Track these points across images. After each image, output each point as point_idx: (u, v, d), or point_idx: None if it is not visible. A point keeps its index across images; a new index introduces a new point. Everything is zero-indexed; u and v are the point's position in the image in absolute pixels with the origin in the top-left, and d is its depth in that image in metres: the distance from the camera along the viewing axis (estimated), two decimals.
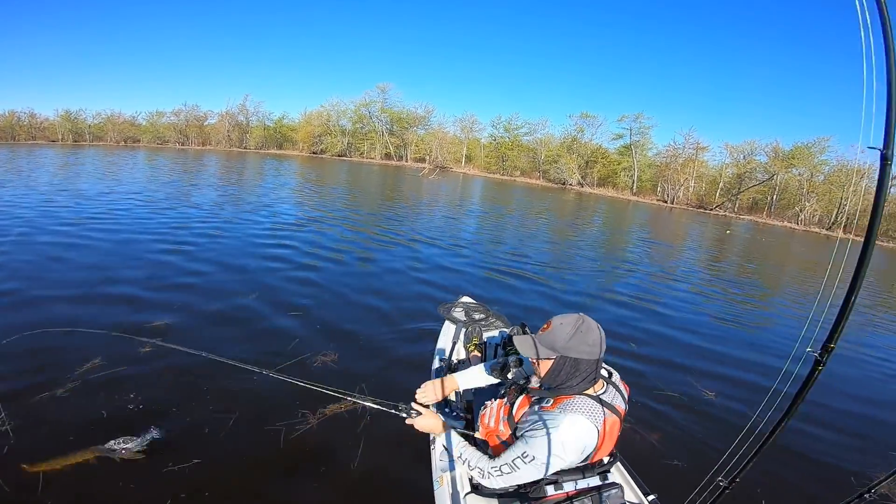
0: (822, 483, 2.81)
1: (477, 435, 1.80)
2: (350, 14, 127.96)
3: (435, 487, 1.91)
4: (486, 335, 2.92)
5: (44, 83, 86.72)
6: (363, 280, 5.90)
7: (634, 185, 41.65)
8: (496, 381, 2.04)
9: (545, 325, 1.51)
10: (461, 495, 1.74)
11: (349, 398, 2.09)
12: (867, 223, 1.14)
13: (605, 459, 1.58)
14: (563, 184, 41.39)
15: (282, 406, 2.87)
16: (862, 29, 1.03)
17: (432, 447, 2.10)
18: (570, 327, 1.44)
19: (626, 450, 1.91)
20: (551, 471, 1.43)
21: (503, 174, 46.67)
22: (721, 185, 39.05)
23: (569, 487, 1.52)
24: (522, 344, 1.53)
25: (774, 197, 36.91)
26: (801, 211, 34.70)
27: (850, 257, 1.24)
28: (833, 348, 1.20)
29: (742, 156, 40.01)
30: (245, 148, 54.14)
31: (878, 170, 1.07)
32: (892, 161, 1.06)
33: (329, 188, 18.92)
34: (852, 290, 1.16)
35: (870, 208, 1.15)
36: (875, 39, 1.04)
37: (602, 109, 66.39)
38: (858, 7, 1.02)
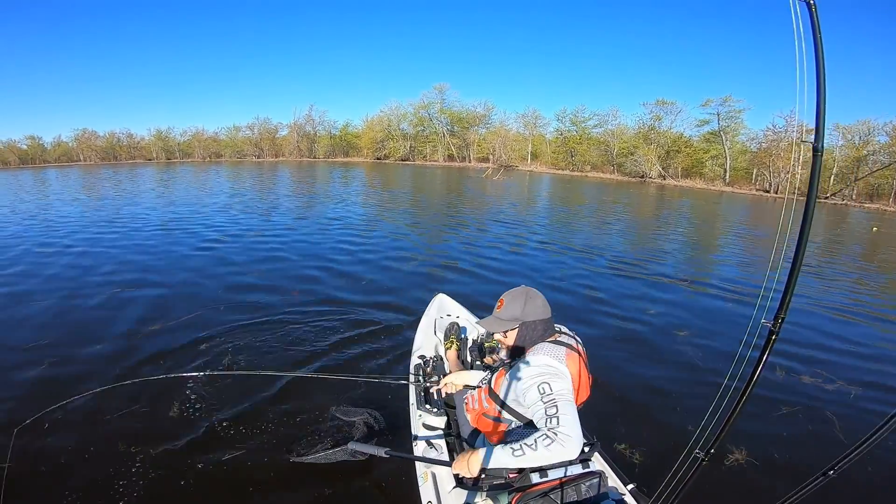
0: (791, 459, 2.82)
1: (466, 425, 1.93)
2: (397, 16, 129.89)
3: (420, 484, 1.94)
4: (462, 331, 2.96)
5: (134, 102, 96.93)
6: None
7: (727, 174, 37.43)
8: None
9: (498, 304, 1.69)
10: (446, 490, 1.81)
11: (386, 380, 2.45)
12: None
13: (586, 449, 1.67)
14: (642, 177, 38.19)
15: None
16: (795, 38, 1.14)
17: (415, 445, 2.19)
18: (522, 298, 1.65)
19: (604, 436, 2.04)
20: (568, 381, 1.49)
21: (573, 170, 44.14)
22: (835, 170, 33.97)
23: (553, 476, 1.55)
24: (488, 324, 1.70)
25: None
26: None
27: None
28: (784, 318, 1.31)
29: (858, 137, 34.62)
30: (314, 157, 56.13)
31: None
32: (821, 152, 1.23)
33: (396, 197, 18.38)
34: (793, 269, 1.28)
35: None
36: (806, 45, 1.15)
37: (678, 95, 60.75)
38: (793, 16, 1.14)
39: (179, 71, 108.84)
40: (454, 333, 2.83)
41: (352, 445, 2.15)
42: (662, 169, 38.66)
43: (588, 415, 1.84)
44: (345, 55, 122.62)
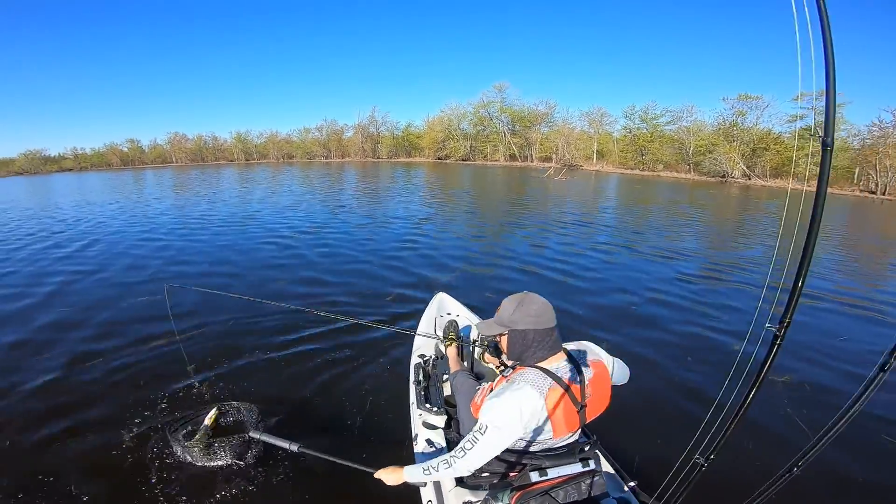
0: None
1: (467, 421, 2.01)
2: (454, 16, 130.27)
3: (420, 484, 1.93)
4: (463, 330, 2.96)
5: (217, 106, 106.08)
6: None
7: None
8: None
9: (499, 307, 1.66)
10: (446, 490, 1.81)
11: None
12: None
13: (586, 448, 1.67)
14: (723, 177, 35.27)
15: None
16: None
17: (415, 443, 2.23)
18: (514, 304, 1.60)
19: (605, 434, 1.94)
20: (507, 437, 1.48)
21: (643, 169, 41.79)
22: None
23: (552, 474, 1.57)
24: (482, 325, 1.72)
25: None
26: None
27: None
28: (789, 322, 1.23)
29: None
30: (378, 157, 57.98)
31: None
32: (832, 147, 1.14)
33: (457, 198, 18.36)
34: (800, 274, 1.19)
35: None
36: (814, 30, 1.06)
37: (763, 89, 55.18)
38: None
39: (256, 75, 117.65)
40: (453, 331, 2.84)
41: (254, 434, 2.13)
42: (746, 168, 35.43)
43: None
44: (405, 58, 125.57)
